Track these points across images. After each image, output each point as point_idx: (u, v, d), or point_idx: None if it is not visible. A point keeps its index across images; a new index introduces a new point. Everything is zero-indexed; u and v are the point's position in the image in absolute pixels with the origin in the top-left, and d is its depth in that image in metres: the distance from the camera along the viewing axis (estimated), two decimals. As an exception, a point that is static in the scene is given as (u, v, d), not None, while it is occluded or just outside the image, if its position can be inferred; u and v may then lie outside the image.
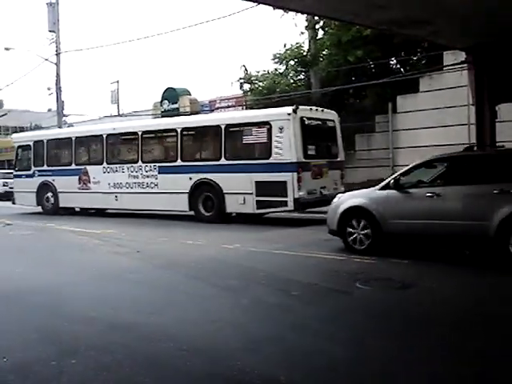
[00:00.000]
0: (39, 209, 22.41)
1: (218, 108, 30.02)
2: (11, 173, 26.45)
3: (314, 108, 17.33)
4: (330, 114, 17.81)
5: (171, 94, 31.10)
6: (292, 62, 27.85)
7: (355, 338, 5.98)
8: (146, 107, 35.41)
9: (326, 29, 25.11)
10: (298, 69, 27.89)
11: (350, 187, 12.72)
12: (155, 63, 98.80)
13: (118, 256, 11.68)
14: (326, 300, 7.76)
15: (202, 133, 18.46)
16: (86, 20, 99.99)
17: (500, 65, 13.40)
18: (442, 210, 9.88)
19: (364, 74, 23.49)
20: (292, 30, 76.74)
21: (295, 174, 15.50)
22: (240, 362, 5.20)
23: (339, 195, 12.08)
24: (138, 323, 6.59)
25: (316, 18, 23.52)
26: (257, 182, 16.08)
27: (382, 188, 10.81)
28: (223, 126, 17.17)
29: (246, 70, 28.36)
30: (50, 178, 21.86)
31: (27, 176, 22.72)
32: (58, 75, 32.15)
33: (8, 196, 27.04)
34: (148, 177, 18.85)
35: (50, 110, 45.44)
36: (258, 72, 28.48)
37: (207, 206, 17.37)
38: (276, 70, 28.18)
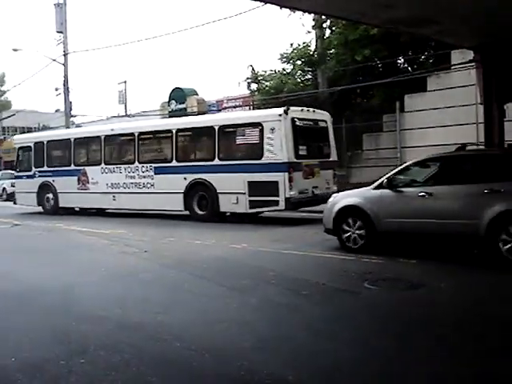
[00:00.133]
0: (40, 209, 22.72)
1: (225, 108, 30.07)
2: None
3: (305, 109, 17.47)
4: (322, 115, 18.02)
5: (179, 94, 31.13)
6: (299, 62, 27.82)
7: (361, 338, 5.97)
8: (154, 107, 35.51)
9: (333, 28, 25.08)
10: (305, 68, 27.87)
11: (357, 187, 12.76)
12: (163, 63, 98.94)
13: (126, 256, 11.71)
14: (334, 300, 7.75)
15: (197, 134, 18.74)
16: (94, 20, 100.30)
17: (508, 63, 13.34)
18: (434, 209, 10.01)
19: (371, 74, 23.45)
20: (299, 29, 76.69)
21: (286, 173, 15.72)
22: (247, 362, 5.21)
23: (334, 194, 12.25)
24: (146, 323, 6.61)
25: (323, 17, 23.49)
26: (249, 182, 16.32)
27: (376, 187, 10.93)
28: (217, 127, 17.45)
29: (253, 69, 28.40)
30: (49, 179, 22.21)
31: (28, 177, 23.10)
32: (65, 76, 32.23)
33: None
34: (144, 177, 19.15)
35: (57, 111, 45.50)
36: (265, 72, 28.49)
37: (202, 205, 17.65)
38: (283, 69, 28.18)
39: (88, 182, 20.93)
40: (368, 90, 25.00)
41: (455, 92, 19.35)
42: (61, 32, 31.94)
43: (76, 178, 21.24)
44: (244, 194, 16.47)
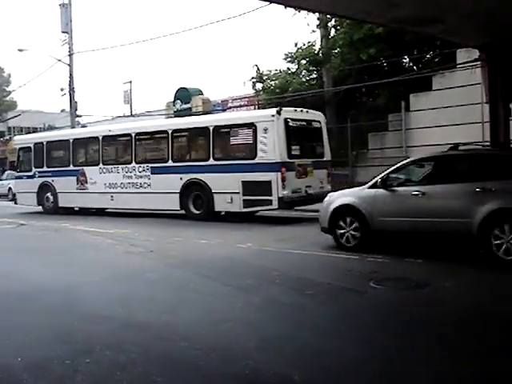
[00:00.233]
0: (40, 208, 23.04)
1: (230, 107, 30.05)
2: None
3: (298, 109, 17.71)
4: (316, 115, 18.26)
5: (184, 94, 31.18)
6: (304, 61, 27.80)
7: (366, 337, 5.95)
8: (159, 107, 35.53)
9: (338, 27, 25.05)
10: (310, 68, 27.85)
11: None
12: (168, 63, 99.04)
13: (131, 256, 11.73)
14: (339, 299, 7.74)
15: (192, 134, 18.90)
16: (99, 20, 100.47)
17: (514, 62, 13.31)
18: (427, 208, 10.12)
19: (376, 73, 23.42)
20: (304, 28, 76.46)
21: (279, 173, 15.95)
22: (253, 361, 5.21)
23: (330, 194, 12.40)
24: (152, 322, 6.62)
25: (328, 16, 23.47)
26: (243, 182, 16.56)
27: (371, 187, 11.07)
28: (211, 128, 17.74)
29: (258, 69, 28.38)
30: (49, 179, 22.58)
31: (28, 177, 23.50)
32: (71, 76, 32.30)
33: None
34: (141, 177, 19.47)
35: (63, 111, 45.61)
36: (271, 71, 28.48)
37: (197, 204, 17.95)
38: (288, 69, 28.17)
39: (86, 182, 21.29)
40: (373, 89, 24.97)
41: (461, 91, 19.30)
42: (66, 32, 32.02)
43: (75, 178, 21.61)
44: (238, 193, 16.72)
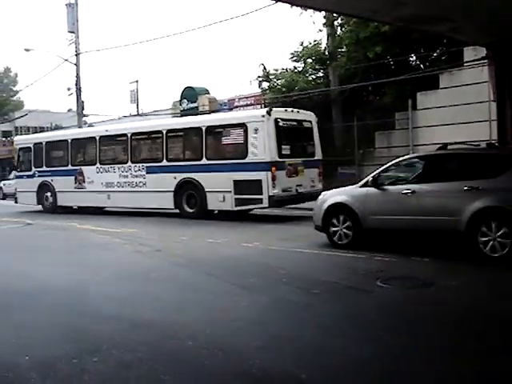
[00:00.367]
0: (40, 207, 23.53)
1: (236, 107, 30.01)
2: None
3: (289, 109, 18.24)
4: (307, 115, 18.62)
5: (190, 93, 31.17)
6: (310, 60, 27.76)
7: (371, 336, 5.93)
8: (166, 106, 35.54)
9: (345, 26, 24.99)
10: (316, 66, 27.80)
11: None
12: (174, 62, 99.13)
13: (139, 255, 11.76)
14: (345, 298, 7.74)
15: (186, 134, 19.24)
16: (105, 20, 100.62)
17: (521, 60, 13.26)
18: (417, 207, 10.29)
19: (383, 71, 23.35)
20: (310, 27, 76.49)
21: (269, 172, 16.33)
22: (259, 360, 5.21)
23: (324, 193, 12.58)
24: (159, 321, 6.63)
25: (334, 15, 23.42)
26: (235, 181, 16.93)
27: (363, 185, 11.29)
28: (204, 128, 18.17)
29: (264, 68, 28.31)
30: (48, 178, 23.09)
31: (28, 176, 24.04)
32: (77, 76, 32.35)
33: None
34: (137, 176, 19.93)
35: (69, 110, 45.72)
36: (277, 70, 28.42)
37: (190, 203, 18.35)
38: (294, 67, 28.11)
39: (84, 182, 21.78)
40: (380, 88, 24.89)
41: (468, 89, 19.22)
42: (72, 32, 32.06)
43: (73, 177, 22.08)
44: (230, 192, 17.08)
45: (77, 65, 32.38)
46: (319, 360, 5.28)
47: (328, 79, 26.20)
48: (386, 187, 10.93)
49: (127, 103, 37.11)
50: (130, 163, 20.17)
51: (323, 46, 27.18)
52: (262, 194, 16.44)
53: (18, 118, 48.48)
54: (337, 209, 11.50)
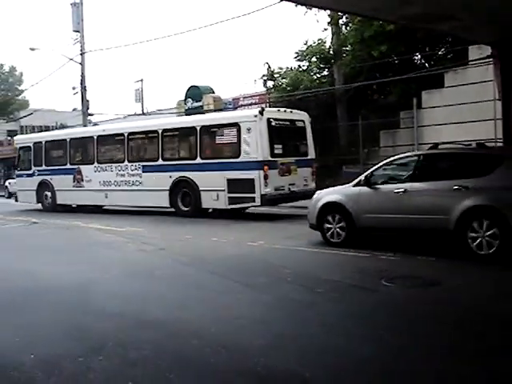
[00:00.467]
0: (39, 206, 23.92)
1: (241, 105, 29.99)
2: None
3: (282, 109, 18.79)
4: (300, 115, 18.92)
5: (195, 92, 31.16)
6: (314, 59, 27.71)
7: (375, 336, 5.92)
8: (170, 105, 35.52)
9: (349, 24, 24.95)
10: (321, 65, 27.76)
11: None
12: (179, 61, 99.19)
13: (143, 253, 11.79)
14: (350, 297, 7.73)
15: (180, 134, 19.63)
16: (110, 19, 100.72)
17: (526, 59, 13.22)
18: (408, 205, 10.46)
19: (388, 70, 23.31)
20: (314, 26, 76.52)
21: (261, 171, 16.61)
22: (264, 358, 5.22)
23: (318, 191, 12.78)
24: (164, 320, 6.64)
25: (339, 13, 23.38)
26: (228, 180, 17.21)
27: (355, 185, 11.47)
28: (198, 128, 18.48)
29: (269, 67, 28.28)
30: (48, 177, 23.46)
31: (28, 175, 24.47)
32: (82, 75, 32.37)
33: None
34: (133, 175, 20.25)
35: (75, 110, 45.79)
36: (282, 69, 28.39)
37: (185, 202, 18.64)
38: (299, 66, 28.07)
39: (82, 180, 22.12)
40: (385, 87, 24.84)
41: (473, 88, 19.16)
42: (77, 31, 32.10)
43: (72, 176, 22.39)
44: (224, 190, 17.35)
45: (82, 64, 32.41)
46: (323, 359, 5.28)
47: (333, 78, 26.16)
48: (378, 186, 11.10)
49: (132, 102, 37.11)
50: (126, 162, 20.51)
51: (328, 44, 27.14)
52: (254, 192, 16.69)
53: (23, 117, 48.54)
54: (331, 207, 11.69)
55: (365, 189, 11.18)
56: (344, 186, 11.96)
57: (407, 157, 11.52)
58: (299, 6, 22.68)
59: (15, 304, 7.66)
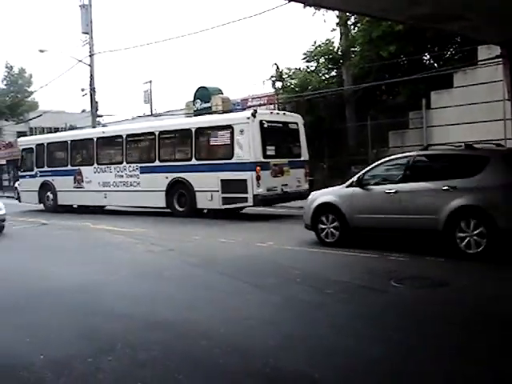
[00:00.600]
0: (41, 206, 24.31)
1: (250, 106, 29.94)
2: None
3: (275, 111, 19.68)
4: (293, 117, 19.45)
5: (203, 93, 31.15)
6: (322, 59, 27.67)
7: (386, 337, 5.90)
8: (179, 106, 35.56)
9: (358, 25, 24.90)
10: (330, 66, 27.72)
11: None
12: (188, 62, 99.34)
13: (152, 254, 11.82)
14: (359, 298, 7.72)
15: (177, 135, 20.11)
16: (119, 20, 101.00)
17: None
18: (399, 206, 10.67)
19: (397, 70, 23.25)
20: (323, 26, 76.50)
21: (254, 172, 16.98)
22: (273, 359, 5.23)
23: (313, 193, 13.01)
24: (173, 321, 6.66)
25: (347, 14, 23.34)
26: (222, 180, 17.59)
27: (349, 186, 11.73)
28: (193, 130, 18.87)
29: (277, 68, 28.25)
30: (49, 178, 23.94)
31: (30, 176, 24.96)
32: (91, 76, 32.46)
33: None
34: (131, 176, 20.69)
35: (84, 111, 45.82)
36: (290, 70, 28.36)
37: (181, 202, 19.01)
38: (307, 67, 28.04)
39: (83, 181, 22.58)
40: (393, 87, 24.78)
41: (482, 88, 19.09)
42: (86, 33, 32.17)
43: (72, 177, 22.83)
44: (218, 191, 17.72)
45: (91, 65, 32.49)
46: (332, 359, 5.28)
47: (341, 78, 26.12)
48: (370, 187, 11.31)
49: (141, 103, 37.22)
50: (125, 163, 20.90)
51: (336, 45, 27.09)
52: (247, 193, 17.06)
53: (33, 118, 48.65)
54: (325, 208, 11.91)
55: (357, 190, 11.42)
56: (338, 187, 12.21)
57: (398, 158, 11.68)
58: (308, 8, 22.65)
59: (26, 304, 7.69)
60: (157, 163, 19.81)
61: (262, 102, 29.66)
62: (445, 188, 10.02)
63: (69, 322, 6.77)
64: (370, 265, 9.72)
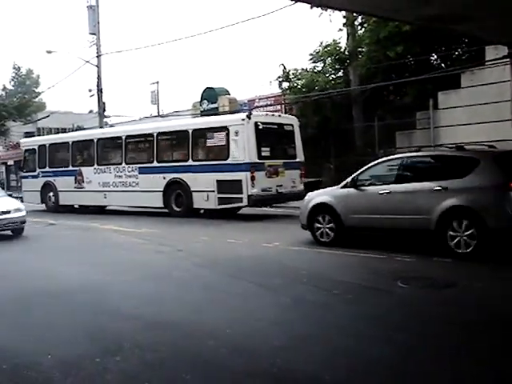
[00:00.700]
0: (43, 206, 24.57)
1: (257, 107, 29.95)
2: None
3: (270, 113, 20.04)
4: (288, 119, 19.90)
5: (210, 94, 31.15)
6: (329, 60, 27.61)
7: (392, 338, 5.90)
8: (186, 107, 35.56)
9: (365, 25, 24.84)
10: (336, 66, 27.66)
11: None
12: (194, 63, 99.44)
13: (160, 255, 11.84)
14: (366, 299, 7.71)
15: (174, 137, 20.50)
16: (126, 21, 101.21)
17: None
18: (392, 206, 10.88)
19: (404, 70, 23.18)
20: (329, 27, 76.30)
21: (248, 173, 17.27)
22: (280, 360, 5.23)
23: (309, 193, 13.21)
24: (181, 321, 6.67)
25: (354, 14, 23.29)
26: (218, 181, 17.91)
27: (343, 186, 11.97)
28: (190, 131, 19.21)
29: (284, 68, 28.22)
30: (51, 179, 24.31)
31: (33, 177, 25.34)
32: (99, 77, 32.50)
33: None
34: (130, 177, 21.04)
35: (91, 112, 45.93)
36: (297, 70, 28.32)
37: (178, 202, 19.33)
38: (314, 67, 27.99)
39: (83, 182, 22.91)
40: (401, 88, 24.70)
41: (490, 88, 19.01)
42: (93, 34, 32.21)
43: (73, 177, 23.17)
44: (213, 191, 18.04)
45: (98, 66, 32.54)
46: (340, 361, 5.28)
47: (348, 79, 26.07)
48: (364, 188, 11.53)
49: (148, 104, 37.25)
50: (124, 164, 21.25)
51: (343, 45, 27.03)
52: (242, 193, 17.33)
53: (40, 119, 48.81)
54: (320, 208, 12.13)
55: (352, 190, 11.64)
56: (333, 188, 12.46)
57: (392, 159, 11.87)
58: (314, 8, 22.61)
59: (33, 304, 7.74)
60: (155, 164, 20.15)
61: (268, 103, 29.65)
62: (436, 189, 10.22)
63: (77, 322, 6.80)
64: (376, 265, 9.72)
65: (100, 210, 22.68)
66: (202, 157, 18.96)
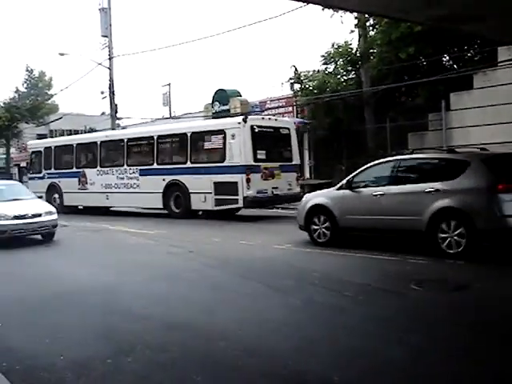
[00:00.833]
0: None
1: (268, 109, 29.95)
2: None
3: (266, 117, 20.46)
4: (284, 123, 20.41)
5: (222, 96, 31.15)
6: (341, 61, 27.56)
7: (403, 339, 5.88)
8: (198, 109, 35.61)
9: (376, 26, 24.78)
10: (348, 68, 27.61)
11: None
12: (206, 65, 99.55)
13: (172, 256, 11.87)
14: (378, 301, 7.69)
15: (173, 139, 20.90)
16: (138, 23, 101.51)
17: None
18: (385, 207, 11.14)
19: (416, 72, 23.10)
20: (341, 28, 76.20)
21: (244, 175, 17.66)
22: (292, 361, 5.23)
23: (307, 195, 13.64)
24: (192, 322, 6.68)
25: (366, 15, 23.25)
26: (215, 183, 18.35)
27: (339, 188, 12.27)
28: (189, 134, 19.70)
29: (296, 70, 28.21)
30: (56, 180, 24.81)
31: (39, 178, 25.78)
32: (111, 79, 32.62)
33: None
34: (131, 178, 21.52)
35: (103, 114, 46.03)
36: (308, 72, 28.30)
37: (177, 203, 19.76)
38: (326, 69, 27.95)
39: (87, 183, 23.39)
40: (412, 89, 24.61)
41: (502, 89, 18.91)
42: (106, 36, 32.34)
43: (77, 179, 23.67)
44: (211, 193, 18.46)
45: (110, 68, 32.65)
46: (351, 362, 5.26)
47: (360, 80, 26.02)
48: (359, 190, 11.77)
49: (160, 106, 37.44)
50: (125, 166, 21.72)
51: (354, 46, 26.98)
52: (237, 195, 17.72)
53: (53, 121, 48.95)
54: (317, 209, 12.42)
55: (347, 192, 11.91)
56: (329, 190, 12.81)
57: (385, 162, 12.02)
58: (326, 10, 22.59)
59: (46, 305, 7.78)
60: (155, 166, 20.59)
61: (280, 104, 29.64)
62: (427, 190, 10.42)
63: (89, 323, 6.83)
64: (389, 267, 9.72)
65: (105, 212, 22.93)
66: (200, 159, 19.38)
